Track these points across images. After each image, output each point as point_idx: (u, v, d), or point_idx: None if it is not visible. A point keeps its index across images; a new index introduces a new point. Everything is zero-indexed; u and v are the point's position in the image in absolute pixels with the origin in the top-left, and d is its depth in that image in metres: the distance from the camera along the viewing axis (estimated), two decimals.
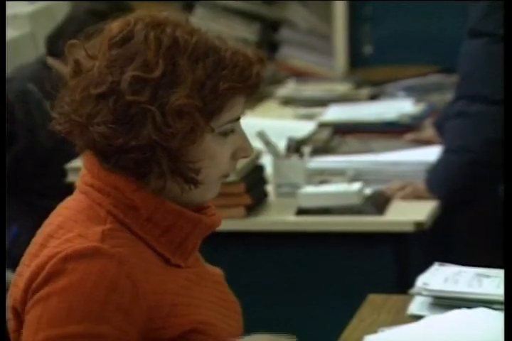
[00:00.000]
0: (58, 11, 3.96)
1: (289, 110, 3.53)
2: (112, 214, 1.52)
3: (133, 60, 1.51)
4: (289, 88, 3.56)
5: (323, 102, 3.59)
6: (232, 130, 1.55)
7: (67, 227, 1.50)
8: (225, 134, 1.54)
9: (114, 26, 1.54)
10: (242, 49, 1.57)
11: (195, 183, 1.52)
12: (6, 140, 1.32)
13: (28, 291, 1.50)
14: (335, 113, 3.45)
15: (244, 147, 1.57)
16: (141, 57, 1.51)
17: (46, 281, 1.48)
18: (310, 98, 3.69)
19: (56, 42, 2.94)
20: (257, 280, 2.65)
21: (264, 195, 2.72)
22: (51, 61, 3.03)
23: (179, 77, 1.51)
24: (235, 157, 1.57)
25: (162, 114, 1.50)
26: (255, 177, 2.58)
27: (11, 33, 3.91)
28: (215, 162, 1.55)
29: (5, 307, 1.36)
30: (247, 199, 2.56)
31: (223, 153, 1.55)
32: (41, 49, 3.87)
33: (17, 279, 1.58)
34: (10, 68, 3.17)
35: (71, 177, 2.77)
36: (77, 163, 2.85)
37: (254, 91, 1.56)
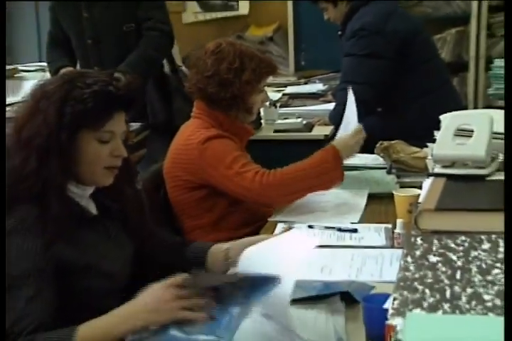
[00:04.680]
0: None
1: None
2: (213, 127, 2.21)
3: (224, 60, 2.17)
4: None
5: (285, 85, 4.66)
6: (262, 91, 2.34)
7: (194, 132, 2.16)
8: (259, 93, 2.31)
9: (211, 45, 2.21)
10: (264, 54, 2.17)
11: (251, 114, 2.29)
12: (5, 141, 1.33)
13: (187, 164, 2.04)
14: (290, 89, 4.49)
15: (266, 99, 2.37)
16: (228, 59, 2.18)
17: (201, 152, 2.01)
18: (278, 83, 4.69)
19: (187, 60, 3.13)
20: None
21: (260, 124, 3.73)
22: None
23: (246, 66, 2.17)
24: (262, 103, 2.34)
25: (240, 82, 2.18)
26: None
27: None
28: (258, 104, 2.31)
29: (5, 307, 1.19)
30: (253, 125, 2.86)
31: (259, 100, 2.33)
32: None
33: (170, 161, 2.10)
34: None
35: None
36: None
37: (274, 73, 2.29)
